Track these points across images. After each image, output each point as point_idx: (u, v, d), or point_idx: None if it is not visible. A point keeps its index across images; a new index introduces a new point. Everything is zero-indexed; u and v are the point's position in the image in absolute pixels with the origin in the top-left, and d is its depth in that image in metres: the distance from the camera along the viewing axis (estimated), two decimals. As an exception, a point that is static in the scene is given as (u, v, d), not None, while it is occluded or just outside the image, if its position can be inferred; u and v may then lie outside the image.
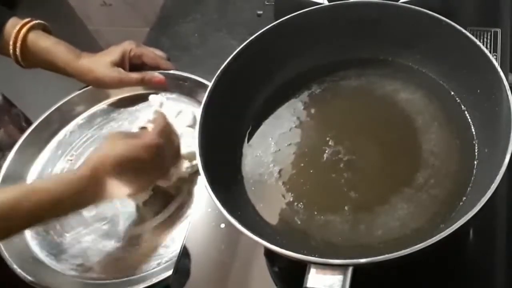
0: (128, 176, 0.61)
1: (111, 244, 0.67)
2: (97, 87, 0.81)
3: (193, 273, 0.58)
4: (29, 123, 0.86)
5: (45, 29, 0.80)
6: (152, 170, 0.64)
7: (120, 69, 0.79)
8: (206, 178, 0.49)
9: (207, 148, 0.52)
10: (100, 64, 0.78)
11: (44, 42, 0.77)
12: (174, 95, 0.81)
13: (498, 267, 0.54)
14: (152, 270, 0.64)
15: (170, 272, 0.60)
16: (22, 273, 0.64)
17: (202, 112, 0.54)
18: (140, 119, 0.74)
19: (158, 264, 0.64)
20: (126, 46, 0.80)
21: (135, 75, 0.79)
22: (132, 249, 0.67)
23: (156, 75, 0.80)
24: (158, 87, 0.81)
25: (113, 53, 0.80)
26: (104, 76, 0.78)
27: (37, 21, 0.78)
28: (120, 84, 0.79)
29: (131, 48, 0.80)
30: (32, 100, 1.00)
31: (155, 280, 0.61)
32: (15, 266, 0.65)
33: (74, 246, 0.68)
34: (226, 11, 0.92)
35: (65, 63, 0.77)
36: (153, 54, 0.82)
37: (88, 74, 0.78)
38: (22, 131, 0.83)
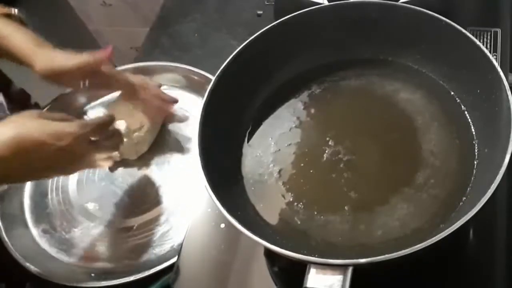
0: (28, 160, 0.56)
1: (121, 234, 0.68)
2: (49, 80, 0.70)
3: (193, 273, 0.58)
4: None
5: (17, 19, 0.73)
6: (56, 160, 0.58)
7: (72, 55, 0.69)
8: (206, 178, 0.49)
9: (207, 148, 0.52)
10: (54, 56, 0.69)
11: (3, 29, 0.69)
12: (176, 89, 0.81)
13: (498, 267, 0.54)
14: (166, 253, 0.65)
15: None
16: (36, 268, 0.65)
17: (202, 112, 0.54)
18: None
19: (171, 247, 0.65)
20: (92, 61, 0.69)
21: (84, 56, 0.68)
22: (142, 236, 0.67)
23: (100, 51, 0.70)
24: (106, 59, 0.70)
25: (79, 57, 0.69)
26: (47, 66, 0.67)
27: (5, 8, 0.72)
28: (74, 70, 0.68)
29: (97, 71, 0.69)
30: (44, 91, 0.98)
31: (170, 261, 0.62)
32: (28, 264, 0.65)
33: (83, 240, 0.69)
34: (226, 11, 0.92)
35: (19, 51, 0.68)
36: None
37: (36, 66, 0.67)
38: None
